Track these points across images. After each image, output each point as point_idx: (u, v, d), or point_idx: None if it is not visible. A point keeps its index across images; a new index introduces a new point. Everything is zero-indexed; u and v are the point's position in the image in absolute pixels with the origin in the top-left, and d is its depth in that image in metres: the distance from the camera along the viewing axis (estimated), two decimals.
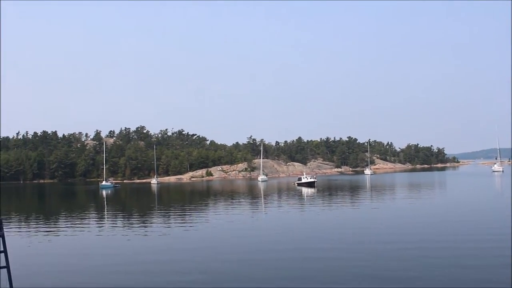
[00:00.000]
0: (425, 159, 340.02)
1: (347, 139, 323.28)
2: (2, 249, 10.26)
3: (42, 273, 29.37)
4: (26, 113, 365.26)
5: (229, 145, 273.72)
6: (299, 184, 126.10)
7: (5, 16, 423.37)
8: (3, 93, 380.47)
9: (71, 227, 52.52)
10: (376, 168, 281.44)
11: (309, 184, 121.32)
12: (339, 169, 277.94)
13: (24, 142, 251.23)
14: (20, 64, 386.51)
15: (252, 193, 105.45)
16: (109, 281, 26.87)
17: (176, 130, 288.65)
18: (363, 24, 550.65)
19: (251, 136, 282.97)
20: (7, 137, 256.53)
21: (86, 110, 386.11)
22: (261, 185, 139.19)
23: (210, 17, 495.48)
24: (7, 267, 10.09)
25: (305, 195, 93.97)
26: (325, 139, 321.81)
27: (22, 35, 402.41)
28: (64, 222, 58.35)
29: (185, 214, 63.10)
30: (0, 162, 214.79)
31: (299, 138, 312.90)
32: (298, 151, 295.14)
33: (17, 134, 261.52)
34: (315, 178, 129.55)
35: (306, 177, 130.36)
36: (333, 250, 33.94)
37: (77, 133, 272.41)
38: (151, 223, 55.09)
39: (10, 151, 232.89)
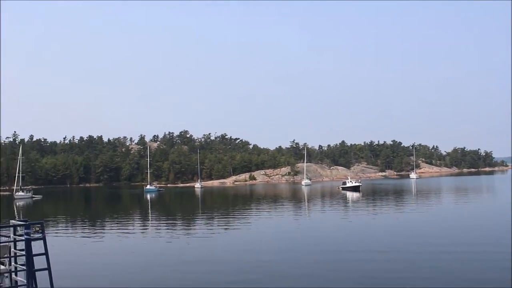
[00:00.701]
0: (472, 162, 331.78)
1: (391, 143, 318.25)
2: (43, 251, 10.48)
3: (85, 275, 29.15)
4: (72, 118, 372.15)
5: (272, 149, 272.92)
6: (343, 188, 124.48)
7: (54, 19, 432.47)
8: (53, 99, 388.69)
9: (116, 229, 52.64)
10: (422, 172, 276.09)
11: (354, 188, 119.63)
12: (384, 173, 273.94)
13: (70, 147, 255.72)
14: (69, 71, 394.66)
15: (295, 197, 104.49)
16: (152, 282, 26.45)
17: (219, 134, 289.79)
18: (407, 25, 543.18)
19: (293, 140, 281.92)
20: (55, 142, 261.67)
21: (131, 115, 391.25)
22: (305, 189, 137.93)
23: (243, 19, 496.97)
24: (48, 269, 10.24)
25: (350, 199, 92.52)
26: (368, 143, 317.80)
27: (73, 42, 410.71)
28: (109, 225, 58.62)
29: (228, 218, 62.69)
30: (47, 167, 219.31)
31: (343, 141, 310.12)
32: (341, 155, 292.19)
33: (64, 139, 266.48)
34: (360, 182, 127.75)
35: (351, 181, 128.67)
36: (385, 254, 32.84)
37: (121, 137, 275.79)
38: (195, 226, 54.85)
39: (57, 155, 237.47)
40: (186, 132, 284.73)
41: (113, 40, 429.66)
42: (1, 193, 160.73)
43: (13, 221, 11.81)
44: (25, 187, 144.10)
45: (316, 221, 57.64)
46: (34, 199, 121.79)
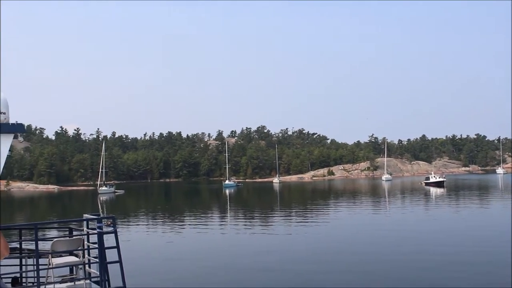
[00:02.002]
0: None
1: (475, 137, 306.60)
2: (115, 245, 10.82)
3: (157, 270, 28.39)
4: (152, 115, 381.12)
5: (350, 144, 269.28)
6: (427, 184, 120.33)
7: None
8: (132, 97, 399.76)
9: (195, 224, 52.27)
10: (509, 167, 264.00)
11: (438, 184, 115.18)
12: (467, 168, 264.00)
13: (151, 143, 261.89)
14: (146, 68, 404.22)
15: (375, 193, 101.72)
16: (229, 278, 25.35)
17: (296, 129, 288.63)
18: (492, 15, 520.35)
19: (372, 134, 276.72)
20: (135, 138, 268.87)
21: (208, 111, 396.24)
22: (385, 185, 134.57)
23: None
24: (120, 262, 10.65)
25: (434, 195, 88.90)
26: (450, 137, 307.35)
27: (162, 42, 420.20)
28: (188, 219, 58.46)
29: (306, 213, 61.20)
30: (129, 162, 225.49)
31: (423, 136, 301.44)
32: (422, 149, 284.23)
33: (144, 135, 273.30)
34: (444, 178, 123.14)
35: (434, 176, 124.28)
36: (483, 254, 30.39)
37: (200, 133, 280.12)
38: (273, 221, 53.70)
39: (138, 151, 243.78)
40: (263, 127, 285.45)
41: (203, 42, 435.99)
42: (86, 188, 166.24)
43: (86, 215, 11.84)
44: (108, 182, 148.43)
45: (400, 217, 55.09)
46: (116, 193, 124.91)
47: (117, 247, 10.90)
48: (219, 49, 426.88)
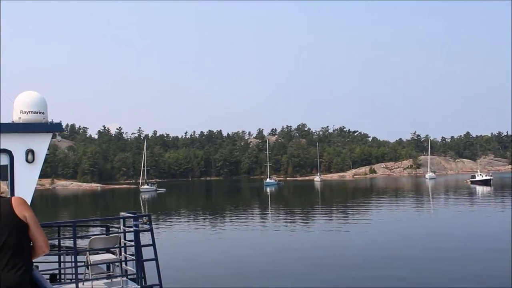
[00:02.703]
0: None
1: None
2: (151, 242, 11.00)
3: (195, 267, 28.21)
4: (193, 114, 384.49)
5: (391, 142, 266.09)
6: (472, 182, 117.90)
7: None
8: (174, 96, 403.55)
9: (235, 223, 52.11)
10: None
11: (485, 182, 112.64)
12: None
13: (192, 141, 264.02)
14: (192, 69, 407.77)
15: (419, 191, 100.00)
16: (267, 277, 25.02)
17: (337, 127, 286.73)
18: None
19: (415, 132, 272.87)
20: (176, 136, 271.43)
21: (248, 109, 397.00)
22: (429, 183, 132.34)
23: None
24: (156, 259, 10.78)
25: (480, 193, 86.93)
26: (496, 134, 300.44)
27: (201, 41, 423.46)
28: (229, 218, 58.35)
29: (347, 212, 60.41)
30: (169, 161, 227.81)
31: (467, 133, 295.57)
32: (466, 147, 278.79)
33: (185, 133, 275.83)
34: (491, 176, 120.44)
35: (480, 174, 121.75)
36: None
37: (240, 131, 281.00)
38: (314, 220, 53.19)
39: (179, 150, 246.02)
40: (304, 125, 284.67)
41: (240, 38, 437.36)
42: (128, 186, 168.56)
43: (122, 213, 12.01)
44: (150, 181, 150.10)
45: (447, 215, 53.85)
46: (158, 192, 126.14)
47: (153, 245, 10.98)
48: (261, 47, 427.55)
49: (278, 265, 28.41)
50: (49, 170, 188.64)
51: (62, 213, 72.52)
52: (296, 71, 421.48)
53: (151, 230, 11.14)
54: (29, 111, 11.02)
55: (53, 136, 11.24)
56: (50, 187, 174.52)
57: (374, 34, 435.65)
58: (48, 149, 11.12)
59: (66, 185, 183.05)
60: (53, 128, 11.19)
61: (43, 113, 11.11)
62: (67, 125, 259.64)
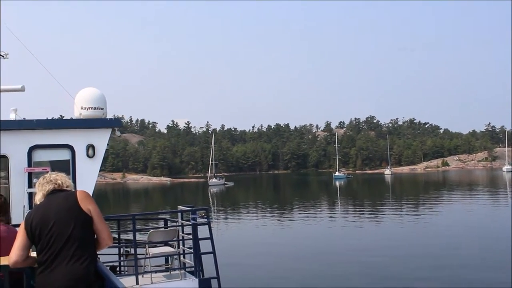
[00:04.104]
0: None
1: None
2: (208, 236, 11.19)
3: (254, 263, 27.71)
4: (261, 107, 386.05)
5: (464, 133, 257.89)
6: None
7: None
8: (239, 91, 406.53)
9: (303, 217, 51.65)
10: None
11: None
12: None
13: (259, 135, 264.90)
14: (255, 64, 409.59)
15: (494, 185, 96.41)
16: (327, 273, 24.49)
17: (407, 119, 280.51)
18: None
19: (489, 123, 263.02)
20: (244, 130, 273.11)
21: (315, 102, 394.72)
22: (506, 176, 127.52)
23: None
24: (213, 252, 10.98)
25: None
26: None
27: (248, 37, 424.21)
28: (297, 212, 57.89)
29: (418, 206, 58.94)
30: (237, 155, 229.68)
31: None
32: None
33: (253, 127, 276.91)
34: None
35: None
36: None
37: (308, 124, 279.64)
38: (384, 214, 52.10)
39: (247, 143, 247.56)
40: (372, 117, 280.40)
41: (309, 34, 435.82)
42: (197, 180, 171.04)
43: (180, 206, 12.15)
44: (218, 174, 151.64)
45: None
46: (226, 185, 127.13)
47: (211, 238, 11.11)
48: (326, 39, 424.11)
49: (339, 261, 27.79)
50: (120, 164, 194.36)
51: (134, 206, 74.36)
52: (365, 64, 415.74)
53: (208, 223, 11.29)
54: (89, 107, 11.36)
55: (112, 131, 11.53)
56: (122, 181, 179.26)
57: (443, 26, 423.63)
58: (108, 144, 11.44)
59: (136, 179, 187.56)
60: (112, 123, 11.54)
61: (102, 108, 11.46)
62: (136, 120, 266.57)
